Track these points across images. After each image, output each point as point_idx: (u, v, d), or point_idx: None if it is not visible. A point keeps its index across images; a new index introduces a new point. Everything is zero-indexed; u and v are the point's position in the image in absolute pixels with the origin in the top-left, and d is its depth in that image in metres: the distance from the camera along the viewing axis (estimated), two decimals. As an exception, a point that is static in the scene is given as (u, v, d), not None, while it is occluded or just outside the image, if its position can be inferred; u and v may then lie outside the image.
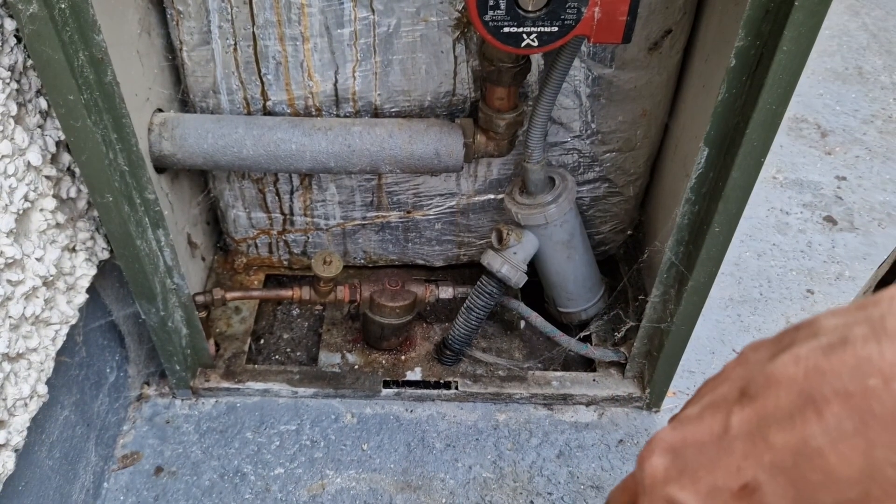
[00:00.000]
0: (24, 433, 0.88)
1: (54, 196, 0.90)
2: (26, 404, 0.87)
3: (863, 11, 2.29)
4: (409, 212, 1.26)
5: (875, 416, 0.26)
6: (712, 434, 0.32)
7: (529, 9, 0.75)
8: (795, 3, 0.70)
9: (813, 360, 0.29)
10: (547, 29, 0.76)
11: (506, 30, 0.77)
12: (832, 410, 0.27)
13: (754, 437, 0.30)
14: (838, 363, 0.28)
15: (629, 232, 1.31)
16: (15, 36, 0.80)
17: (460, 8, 0.99)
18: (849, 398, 0.27)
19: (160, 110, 1.04)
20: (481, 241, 1.32)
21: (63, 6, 0.74)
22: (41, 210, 0.88)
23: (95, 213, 1.00)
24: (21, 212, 0.83)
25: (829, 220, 1.61)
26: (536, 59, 1.04)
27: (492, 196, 1.23)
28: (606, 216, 1.26)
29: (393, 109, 1.11)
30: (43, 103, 0.87)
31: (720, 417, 0.32)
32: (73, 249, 0.97)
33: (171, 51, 1.06)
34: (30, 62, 0.83)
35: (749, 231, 1.57)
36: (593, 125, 1.13)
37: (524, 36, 0.78)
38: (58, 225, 0.92)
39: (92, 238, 1.00)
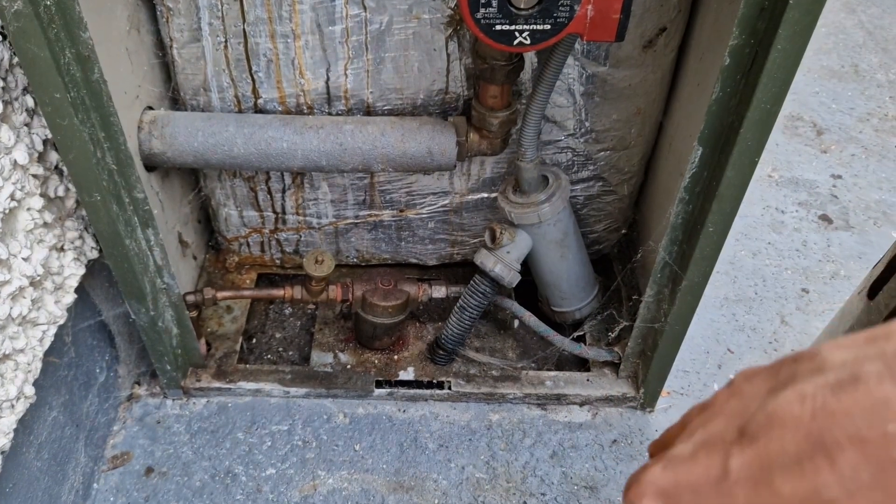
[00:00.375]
0: (11, 435, 0.87)
1: (41, 195, 0.89)
2: (13, 406, 0.86)
3: (859, 9, 2.28)
4: (401, 210, 1.26)
5: None
6: (709, 477, 0.29)
7: (521, 6, 0.74)
8: (790, 2, 0.69)
9: (821, 398, 0.26)
10: (539, 27, 0.75)
11: (498, 27, 0.76)
12: (846, 458, 0.25)
13: (757, 483, 0.27)
14: (850, 404, 0.25)
15: (623, 231, 1.30)
16: (0, 33, 0.79)
17: (452, 5, 0.98)
18: (864, 444, 0.25)
19: (150, 108, 1.03)
20: (474, 240, 1.31)
21: (48, 3, 0.73)
22: (28, 209, 0.87)
23: (84, 212, 0.99)
24: (7, 211, 0.82)
25: (825, 218, 1.61)
26: (530, 57, 1.03)
27: (485, 195, 1.23)
28: (600, 215, 1.26)
29: (385, 107, 1.10)
30: (30, 101, 0.86)
31: (717, 459, 0.29)
32: (62, 249, 0.96)
33: (161, 48, 1.05)
34: (15, 59, 0.82)
35: (744, 230, 1.56)
36: (587, 123, 1.12)
37: (517, 34, 0.77)
38: (45, 224, 0.91)
39: (80, 237, 0.99)
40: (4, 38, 0.80)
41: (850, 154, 1.77)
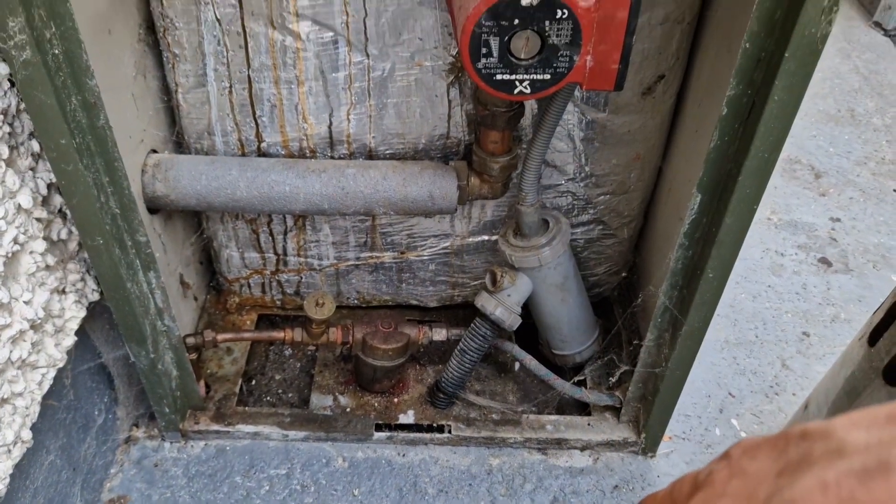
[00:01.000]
0: (7, 480, 0.86)
1: (45, 238, 0.90)
2: (10, 451, 0.85)
3: (854, 54, 2.31)
4: (402, 252, 1.26)
5: None
6: None
7: (522, 57, 0.75)
8: (786, 54, 0.70)
9: (847, 488, 0.24)
10: (539, 76, 0.76)
11: (498, 77, 0.77)
12: None
13: None
14: (884, 496, 0.23)
15: (623, 274, 1.31)
16: (8, 80, 0.81)
17: (454, 54, 0.99)
18: None
19: (154, 151, 1.04)
20: (475, 282, 1.31)
21: (56, 52, 0.74)
22: (31, 252, 0.87)
23: (86, 255, 0.99)
24: (10, 255, 0.83)
25: (824, 261, 1.61)
26: (530, 104, 1.04)
27: (486, 237, 1.23)
28: (600, 258, 1.26)
29: (387, 151, 1.11)
30: (35, 145, 0.87)
31: None
32: (63, 291, 0.96)
33: (167, 93, 1.07)
34: (23, 105, 0.83)
35: (744, 272, 1.57)
36: (587, 168, 1.13)
37: (517, 83, 0.78)
38: (47, 267, 0.91)
39: (82, 279, 0.99)
40: (12, 84, 0.82)
41: (848, 197, 1.79)
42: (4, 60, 0.78)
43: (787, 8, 0.71)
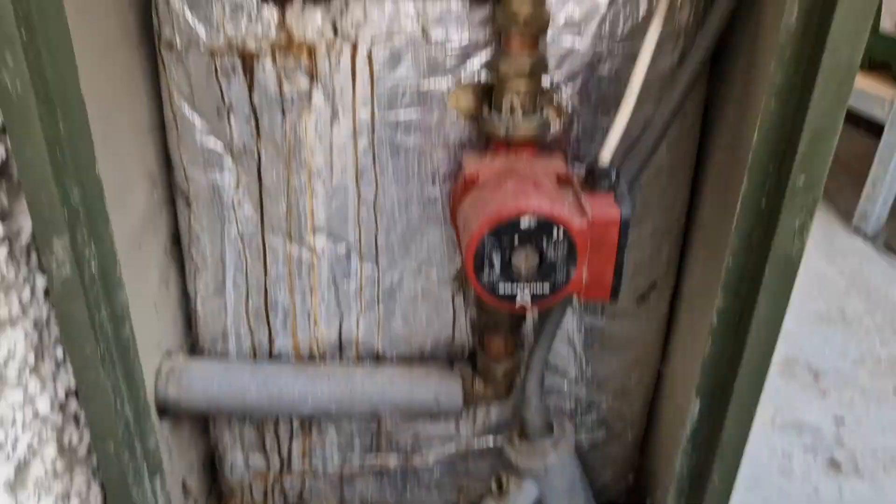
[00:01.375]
0: None
1: (57, 443, 0.91)
2: None
3: (838, 258, 2.42)
4: (407, 456, 1.25)
5: None
6: None
7: (522, 271, 0.81)
8: (766, 270, 0.76)
9: None
10: (539, 290, 0.82)
11: (501, 289, 0.83)
12: None
13: None
14: None
15: (630, 476, 1.29)
16: (43, 291, 0.86)
17: (459, 266, 1.06)
18: None
19: (168, 354, 1.08)
20: (480, 485, 1.29)
21: (93, 269, 0.80)
22: (42, 459, 0.88)
23: (94, 460, 0.99)
24: (22, 462, 0.83)
25: (833, 464, 1.59)
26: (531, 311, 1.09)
27: (491, 439, 1.23)
28: (606, 461, 1.25)
29: (394, 354, 1.14)
30: (59, 353, 0.91)
31: None
32: (68, 497, 0.95)
33: (186, 299, 1.12)
34: (52, 314, 0.88)
35: (753, 477, 1.54)
36: (588, 372, 1.16)
37: (518, 295, 0.83)
38: (55, 473, 0.91)
39: (87, 485, 0.99)
40: (46, 294, 0.87)
41: (849, 397, 1.80)
42: (43, 274, 0.84)
43: (763, 228, 0.77)
